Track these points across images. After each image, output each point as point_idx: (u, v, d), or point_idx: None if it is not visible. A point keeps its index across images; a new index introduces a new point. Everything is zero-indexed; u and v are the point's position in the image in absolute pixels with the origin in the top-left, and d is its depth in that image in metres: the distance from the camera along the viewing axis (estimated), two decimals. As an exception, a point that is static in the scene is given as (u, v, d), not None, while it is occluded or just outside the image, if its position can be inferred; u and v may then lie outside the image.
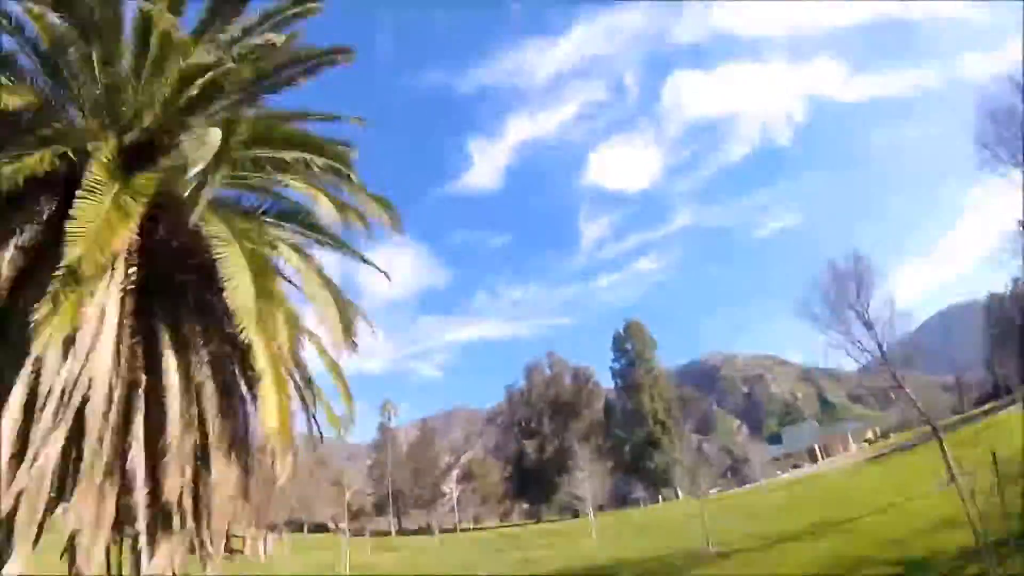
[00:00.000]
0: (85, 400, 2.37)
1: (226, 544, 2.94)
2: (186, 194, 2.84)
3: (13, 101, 2.50)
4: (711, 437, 53.50)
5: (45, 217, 2.65)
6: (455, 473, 29.56)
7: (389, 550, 17.31)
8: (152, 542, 2.57)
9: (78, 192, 2.32)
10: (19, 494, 2.18)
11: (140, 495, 2.50)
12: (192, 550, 2.81)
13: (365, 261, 3.75)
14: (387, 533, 24.48)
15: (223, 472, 2.81)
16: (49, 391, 2.28)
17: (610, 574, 9.88)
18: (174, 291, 2.98)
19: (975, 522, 5.26)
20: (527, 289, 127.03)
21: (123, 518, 2.56)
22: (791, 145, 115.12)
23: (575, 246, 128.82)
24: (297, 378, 3.37)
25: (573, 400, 29.58)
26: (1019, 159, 9.16)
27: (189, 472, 2.70)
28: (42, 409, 2.26)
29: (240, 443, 3.02)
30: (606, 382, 30.52)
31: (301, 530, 22.44)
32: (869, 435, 27.85)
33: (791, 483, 17.69)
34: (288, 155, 3.13)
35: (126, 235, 2.36)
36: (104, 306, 2.50)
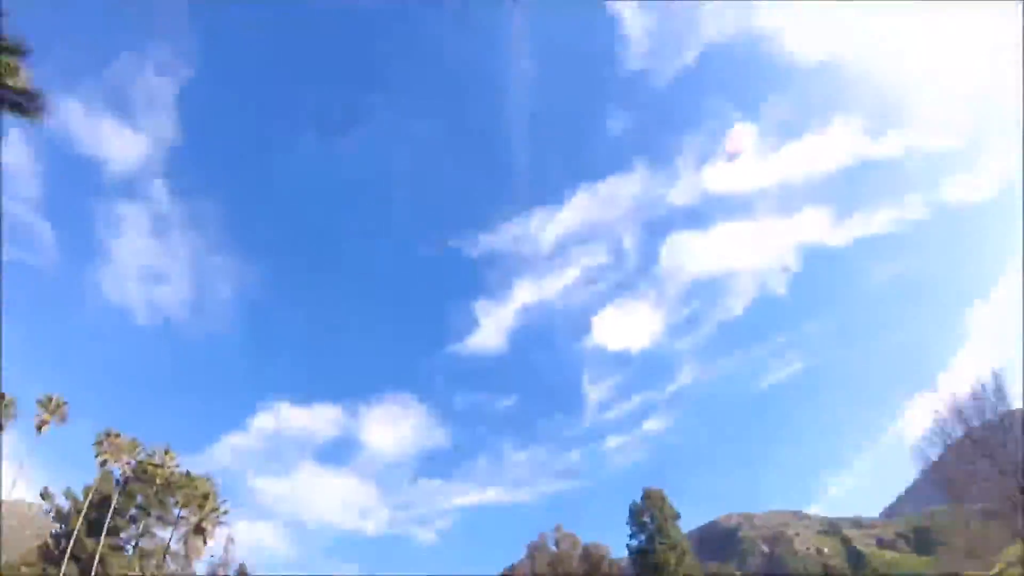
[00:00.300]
0: None
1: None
2: None
3: None
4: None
5: None
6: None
7: None
8: None
9: None
10: None
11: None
12: None
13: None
14: None
15: None
16: None
17: None
18: None
19: None
20: (531, 453, 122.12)
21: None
22: (788, 295, 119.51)
23: (580, 408, 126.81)
24: None
25: (585, 584, 25.87)
26: None
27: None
28: None
29: None
30: (618, 548, 26.97)
31: None
32: (927, 593, 24.39)
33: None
34: None
35: None
36: None
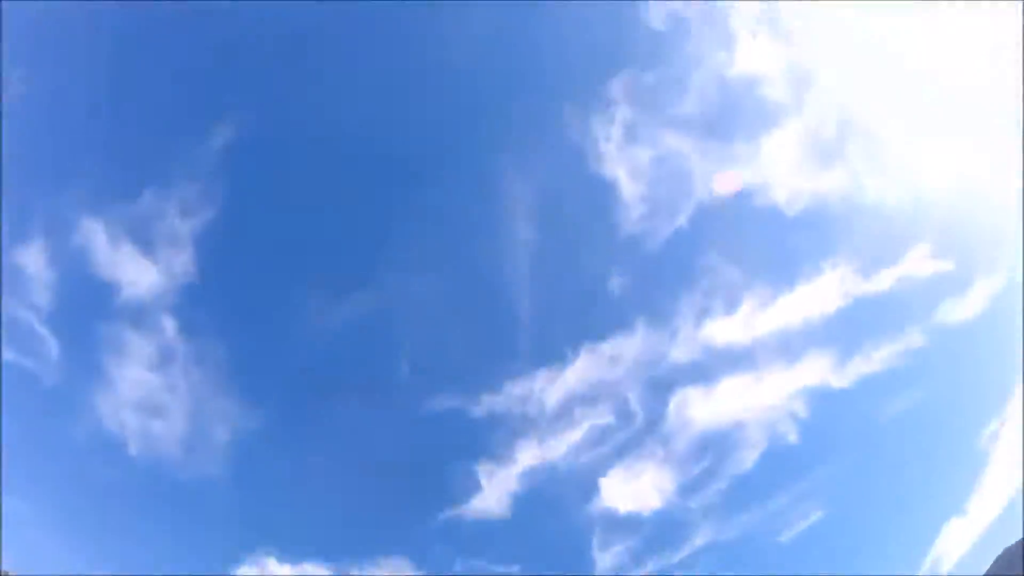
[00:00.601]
0: None
1: None
2: None
3: None
4: None
5: None
6: None
7: None
8: None
9: None
10: None
11: None
12: None
13: None
14: None
15: None
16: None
17: None
18: None
19: None
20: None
21: None
22: (799, 442, 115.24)
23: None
24: None
25: None
26: None
27: None
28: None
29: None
30: None
31: None
32: None
33: None
34: None
35: None
36: None
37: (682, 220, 8.36)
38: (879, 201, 10.20)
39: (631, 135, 7.95)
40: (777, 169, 8.65)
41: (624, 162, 8.08)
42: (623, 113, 7.99)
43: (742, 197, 8.36)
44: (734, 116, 8.44)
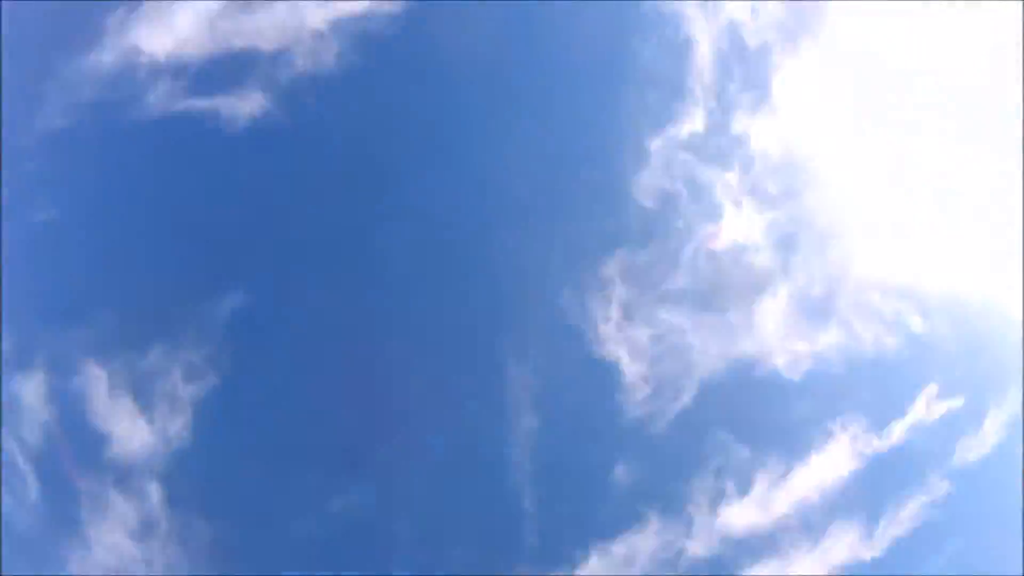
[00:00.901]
0: None
1: None
2: None
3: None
4: None
5: None
6: None
7: None
8: None
9: None
10: None
11: None
12: None
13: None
14: None
15: None
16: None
17: None
18: None
19: None
20: None
21: None
22: None
23: None
24: None
25: None
26: None
27: None
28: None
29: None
30: None
31: None
32: None
33: None
34: None
35: None
36: None
37: (685, 399, 8.23)
38: (878, 350, 10.18)
39: (628, 314, 8.06)
40: (773, 336, 8.73)
41: (623, 342, 8.11)
42: (619, 293, 8.18)
43: (742, 368, 8.35)
44: (726, 287, 8.71)
